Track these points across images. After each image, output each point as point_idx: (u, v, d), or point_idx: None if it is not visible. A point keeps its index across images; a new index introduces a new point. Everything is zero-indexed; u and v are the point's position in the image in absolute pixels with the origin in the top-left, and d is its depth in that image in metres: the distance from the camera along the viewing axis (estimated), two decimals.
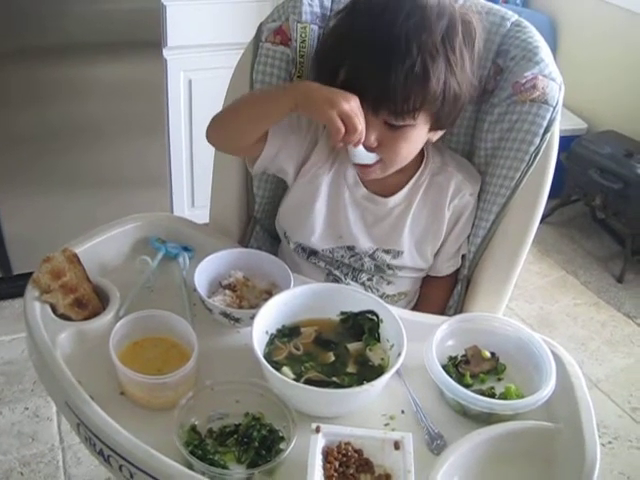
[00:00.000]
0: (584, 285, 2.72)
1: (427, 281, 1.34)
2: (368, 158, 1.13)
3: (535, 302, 2.61)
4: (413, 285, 1.32)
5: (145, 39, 2.11)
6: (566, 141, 2.66)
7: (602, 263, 2.84)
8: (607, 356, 2.38)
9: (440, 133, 1.19)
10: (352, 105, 1.04)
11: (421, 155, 1.23)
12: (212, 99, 2.24)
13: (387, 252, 1.25)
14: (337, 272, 1.29)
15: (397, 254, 1.25)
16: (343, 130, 1.03)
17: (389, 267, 1.27)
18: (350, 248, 1.26)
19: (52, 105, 2.08)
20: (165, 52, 2.18)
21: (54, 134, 2.13)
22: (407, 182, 1.23)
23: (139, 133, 2.25)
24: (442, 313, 1.30)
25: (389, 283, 1.29)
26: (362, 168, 1.17)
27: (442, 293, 1.32)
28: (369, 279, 1.29)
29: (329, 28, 1.20)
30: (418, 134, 1.13)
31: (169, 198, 2.46)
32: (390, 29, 1.04)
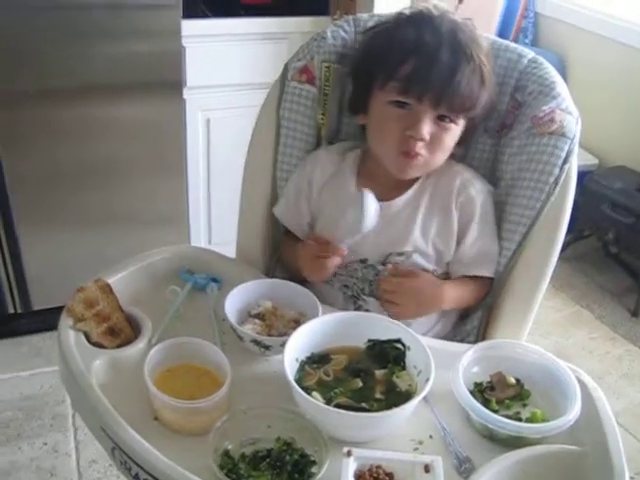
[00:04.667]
0: (599, 319, 2.72)
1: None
2: (374, 202, 1.18)
3: (550, 337, 2.61)
4: None
5: (165, 80, 2.14)
6: (578, 177, 2.69)
7: (616, 297, 2.85)
8: (624, 390, 2.37)
9: (456, 148, 1.25)
10: (314, 249, 1.21)
11: None
12: (229, 138, 2.32)
13: (400, 255, 1.26)
14: (353, 289, 1.29)
15: (410, 255, 1.26)
16: (332, 264, 1.20)
17: None
18: (362, 261, 1.28)
19: (71, 144, 2.11)
20: (185, 92, 2.22)
21: (72, 172, 2.16)
22: (412, 185, 1.27)
23: (157, 172, 2.28)
24: (461, 314, 1.33)
25: None
26: (405, 158, 1.20)
27: (471, 287, 1.30)
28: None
29: (379, 33, 1.25)
30: (456, 136, 1.22)
31: (187, 236, 2.48)
32: (453, 36, 1.16)
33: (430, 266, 1.28)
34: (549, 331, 2.63)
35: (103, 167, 2.20)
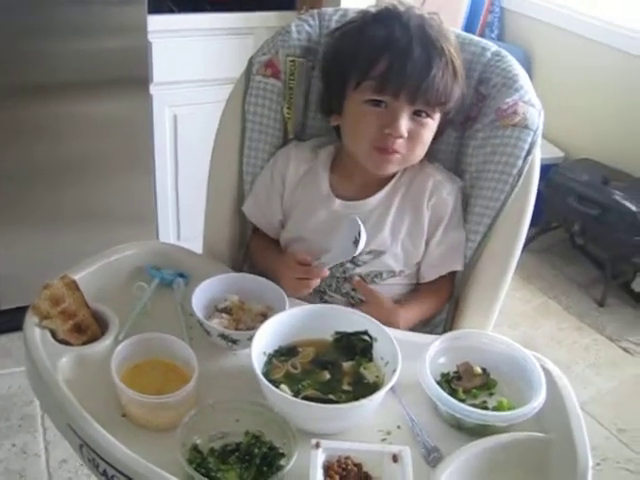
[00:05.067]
0: (566, 310, 2.76)
1: (416, 289, 1.34)
2: (348, 253, 1.17)
3: (519, 328, 2.64)
4: (401, 295, 1.32)
5: (132, 76, 2.13)
6: (544, 170, 2.68)
7: (583, 288, 2.89)
8: (592, 379, 2.41)
9: (431, 142, 1.25)
10: (297, 271, 1.20)
11: None
12: (197, 134, 2.31)
13: (369, 253, 1.26)
14: (321, 285, 1.27)
15: (378, 254, 1.27)
16: (314, 284, 1.20)
17: (372, 273, 1.28)
18: None
19: (38, 142, 2.09)
20: (151, 88, 2.21)
21: (41, 171, 2.14)
22: (385, 184, 1.27)
23: (125, 169, 2.27)
24: (428, 323, 1.33)
25: None
26: (382, 154, 1.20)
27: (429, 294, 1.32)
28: (353, 289, 1.30)
29: (346, 32, 1.24)
30: (433, 129, 1.22)
31: (155, 232, 2.47)
32: (423, 32, 1.17)
33: (398, 266, 1.29)
34: (518, 322, 2.66)
35: (70, 165, 2.18)
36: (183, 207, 2.50)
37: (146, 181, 2.34)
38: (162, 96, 2.27)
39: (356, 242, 1.14)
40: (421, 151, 1.23)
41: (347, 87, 1.21)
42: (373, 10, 1.23)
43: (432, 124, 1.21)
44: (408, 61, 1.14)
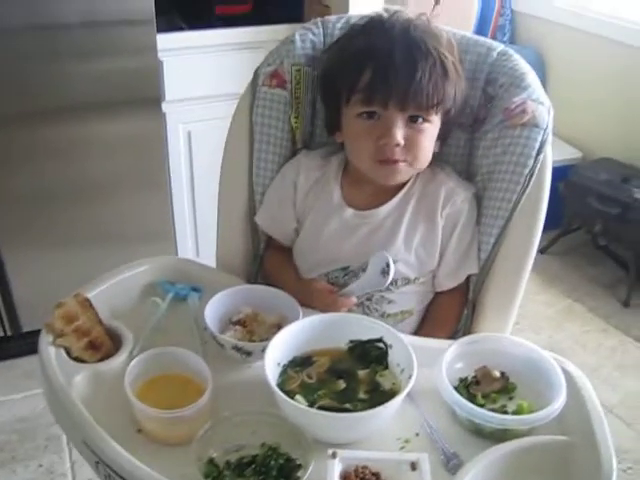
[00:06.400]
0: (591, 312, 2.72)
1: (434, 300, 1.34)
2: (377, 284, 1.19)
3: (543, 332, 2.61)
4: (418, 303, 1.31)
5: (144, 95, 2.14)
6: (562, 171, 2.70)
7: (607, 289, 2.85)
8: (619, 381, 2.37)
9: (437, 145, 1.24)
10: (330, 299, 1.19)
11: None
12: (212, 149, 2.30)
13: None
14: None
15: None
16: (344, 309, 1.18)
17: None
18: (344, 268, 1.28)
19: (52, 165, 2.10)
20: (164, 106, 2.22)
21: (56, 192, 2.15)
22: (397, 192, 1.26)
23: (141, 187, 2.28)
24: (451, 335, 1.30)
25: (390, 302, 1.28)
26: (390, 166, 1.19)
27: (449, 311, 1.32)
28: (368, 299, 1.28)
29: (333, 50, 1.25)
30: (434, 133, 1.21)
31: (174, 250, 2.47)
32: (406, 35, 1.16)
33: (413, 274, 1.28)
34: (542, 326, 2.63)
35: (85, 186, 2.19)
36: (201, 224, 2.50)
37: (162, 199, 2.34)
38: (175, 114, 2.27)
39: (383, 272, 1.16)
40: (425, 156, 1.21)
41: (341, 103, 1.21)
42: (360, 22, 1.23)
43: (431, 128, 1.19)
44: (391, 68, 1.13)
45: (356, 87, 1.16)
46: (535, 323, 2.63)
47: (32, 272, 2.23)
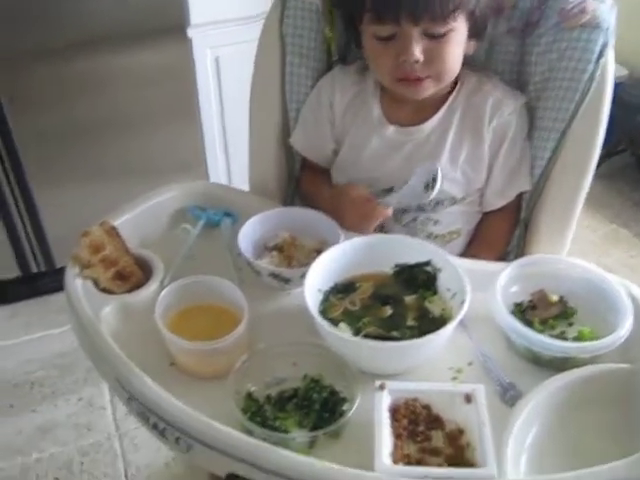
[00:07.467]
0: (637, 237, 2.63)
1: (483, 219, 1.28)
2: (418, 197, 1.13)
3: (588, 257, 2.49)
4: (465, 223, 1.26)
5: (168, 21, 2.07)
6: None
7: None
8: None
9: (473, 45, 1.15)
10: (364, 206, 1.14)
11: (455, 78, 1.18)
12: (241, 74, 2.21)
13: None
14: None
15: None
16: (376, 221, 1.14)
17: (432, 201, 1.20)
18: (388, 190, 1.21)
19: (80, 98, 2.06)
20: (189, 31, 2.13)
21: (85, 126, 2.12)
22: (441, 106, 1.19)
23: (170, 117, 2.22)
24: (501, 256, 1.25)
25: (436, 222, 1.23)
26: (412, 83, 1.12)
27: (499, 232, 1.26)
28: (413, 219, 1.23)
29: None
30: (460, 40, 1.11)
31: (206, 180, 2.43)
32: None
33: (459, 193, 1.22)
34: (586, 251, 2.55)
35: (114, 119, 2.15)
36: (232, 152, 2.44)
37: (192, 128, 2.29)
38: (202, 38, 2.18)
39: (427, 187, 1.10)
40: (451, 67, 1.12)
41: (356, 22, 1.14)
42: None
43: (453, 35, 1.09)
44: None
45: (365, 5, 1.08)
46: (579, 248, 2.54)
47: (64, 208, 2.21)
